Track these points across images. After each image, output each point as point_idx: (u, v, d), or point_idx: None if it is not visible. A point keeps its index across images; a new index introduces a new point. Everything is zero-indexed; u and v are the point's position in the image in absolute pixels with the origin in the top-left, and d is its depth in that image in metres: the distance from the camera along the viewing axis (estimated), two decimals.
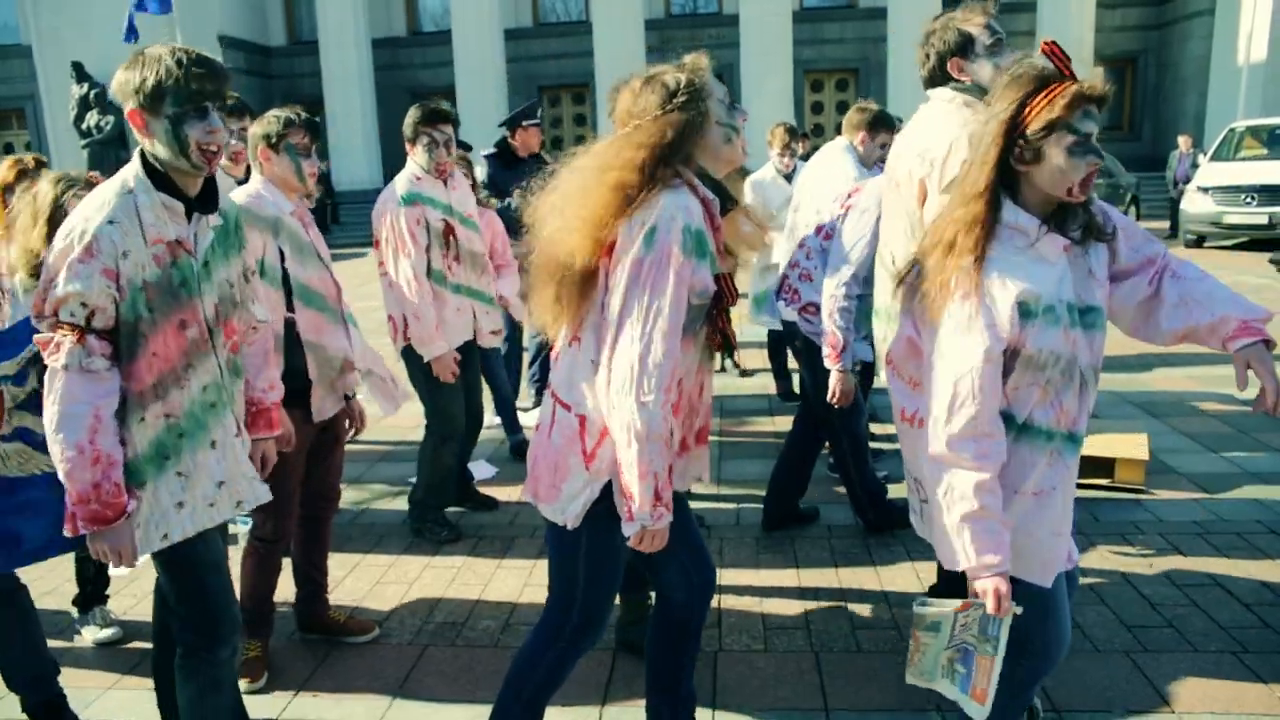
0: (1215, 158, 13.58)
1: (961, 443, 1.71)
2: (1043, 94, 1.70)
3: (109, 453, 1.86)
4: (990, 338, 1.68)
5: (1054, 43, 1.75)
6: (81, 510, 1.87)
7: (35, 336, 1.90)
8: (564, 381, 1.92)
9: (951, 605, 1.82)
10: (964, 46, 2.61)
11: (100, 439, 1.85)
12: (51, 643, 3.12)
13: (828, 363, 3.38)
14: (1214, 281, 1.96)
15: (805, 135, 8.64)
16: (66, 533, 1.92)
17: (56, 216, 2.80)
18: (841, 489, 4.24)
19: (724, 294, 1.90)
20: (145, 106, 1.86)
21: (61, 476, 1.86)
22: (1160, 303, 1.92)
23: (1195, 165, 14.26)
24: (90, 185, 2.86)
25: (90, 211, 1.87)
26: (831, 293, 3.34)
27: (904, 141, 2.78)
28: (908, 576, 3.37)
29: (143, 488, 1.95)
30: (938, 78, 2.68)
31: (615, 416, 1.78)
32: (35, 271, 2.83)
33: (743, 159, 1.98)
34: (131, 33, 11.72)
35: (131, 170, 1.93)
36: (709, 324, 1.92)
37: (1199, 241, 13.14)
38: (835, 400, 3.39)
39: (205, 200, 2.00)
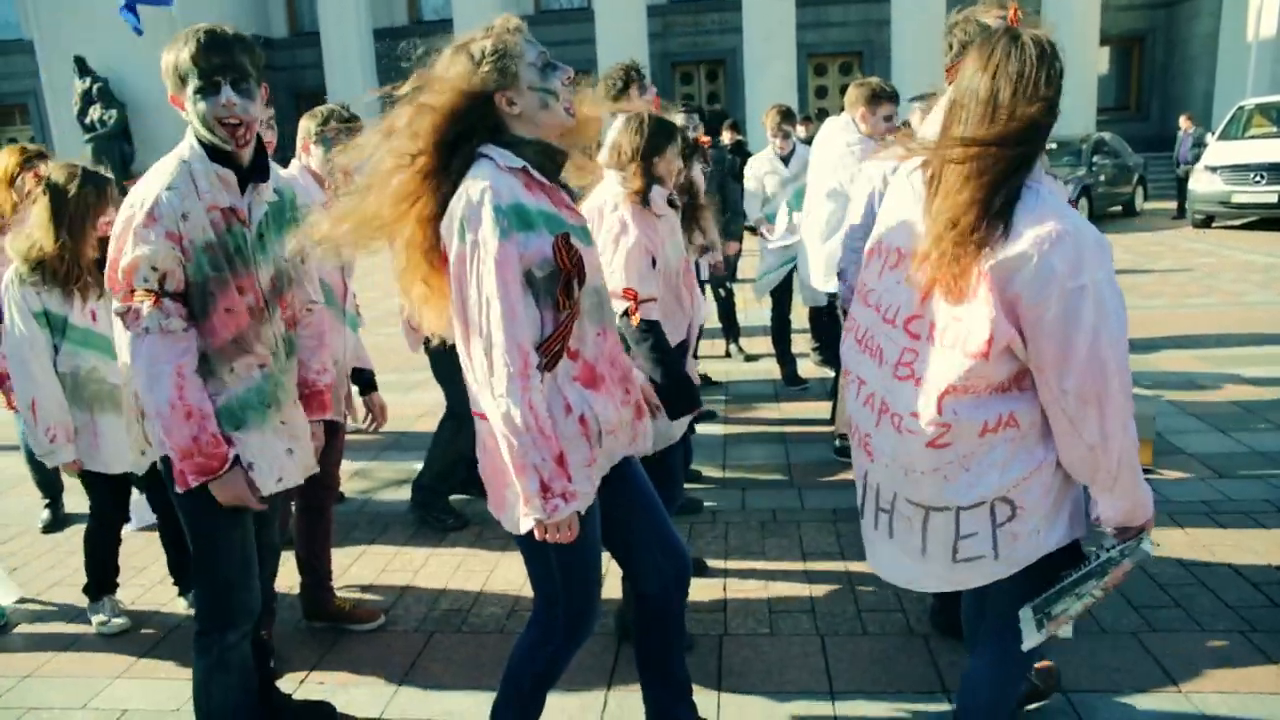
0: (1224, 136, 13.44)
1: (1130, 413, 1.66)
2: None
3: (200, 406, 1.96)
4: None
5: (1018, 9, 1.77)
6: (189, 465, 1.96)
7: (114, 308, 1.98)
8: (471, 393, 1.86)
9: (1143, 541, 1.76)
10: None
11: (189, 393, 1.94)
12: (61, 630, 3.16)
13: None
14: None
15: (809, 118, 8.60)
16: (178, 489, 2.00)
17: (57, 204, 2.81)
18: (849, 474, 4.23)
19: (559, 258, 1.77)
20: (176, 87, 1.96)
21: (162, 434, 1.96)
22: None
23: (1197, 145, 14.13)
24: (88, 173, 2.87)
25: (151, 180, 1.98)
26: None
27: (931, 126, 2.76)
28: None
29: (245, 430, 2.06)
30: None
31: (487, 413, 1.77)
32: (35, 264, 2.83)
33: (567, 122, 1.86)
34: (136, 24, 11.68)
35: (186, 143, 2.02)
36: (564, 290, 1.79)
37: (1207, 221, 13.03)
38: None
39: (256, 169, 2.08)
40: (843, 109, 4.59)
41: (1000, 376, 1.69)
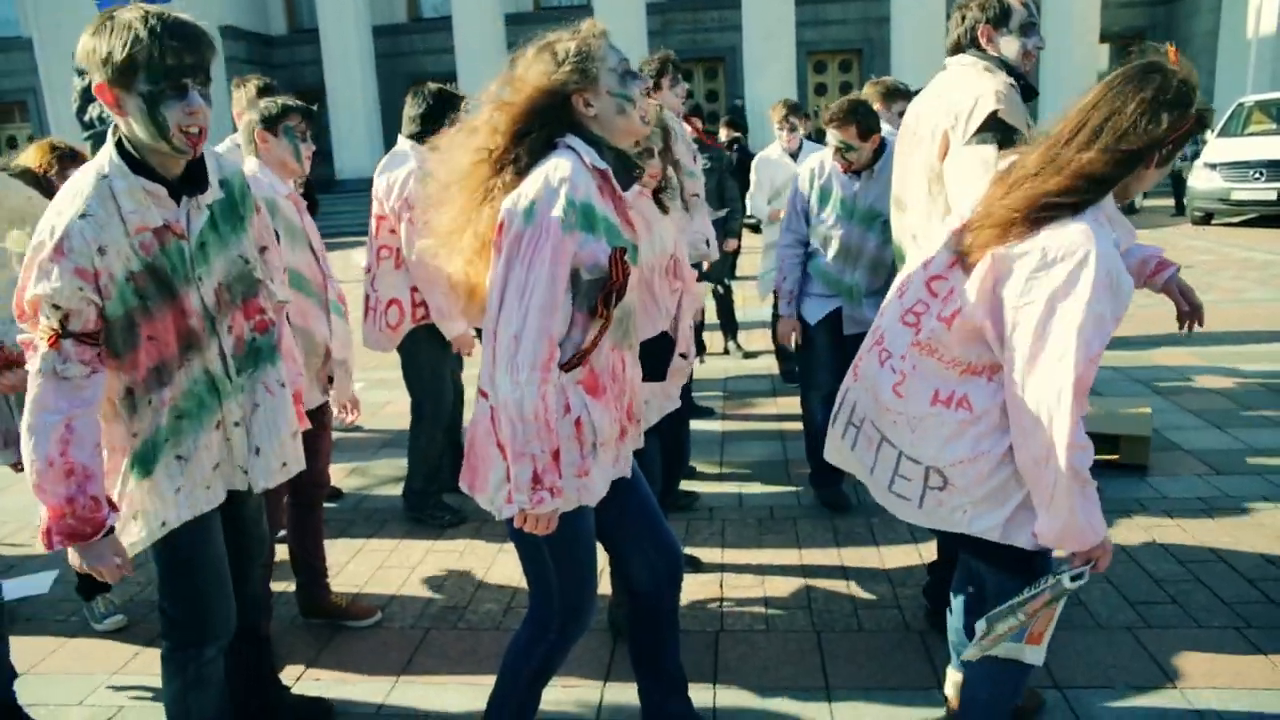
0: (1223, 133, 13.43)
1: (1080, 430, 1.66)
2: (1188, 108, 1.68)
3: (84, 465, 1.73)
4: (1110, 330, 1.66)
5: (1176, 47, 1.79)
6: (57, 525, 1.74)
7: (19, 338, 1.77)
8: (485, 371, 1.87)
9: (1080, 572, 1.77)
10: (1001, 18, 2.67)
11: (74, 451, 1.71)
12: (56, 628, 3.15)
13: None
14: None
15: (807, 115, 8.59)
16: (43, 547, 1.79)
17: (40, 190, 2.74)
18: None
19: (613, 270, 1.78)
20: (115, 81, 1.67)
21: (33, 489, 1.73)
22: None
23: (1194, 142, 14.11)
24: (77, 157, 2.79)
25: (63, 205, 1.72)
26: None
27: (927, 99, 2.80)
28: (910, 556, 3.37)
29: (149, 477, 1.87)
30: (964, 43, 2.73)
31: (497, 394, 1.76)
32: None
33: (641, 130, 1.90)
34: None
35: (106, 154, 1.76)
36: (604, 299, 1.80)
37: (1206, 218, 13.02)
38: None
39: (192, 181, 1.85)
40: None
41: (960, 354, 1.82)
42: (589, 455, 1.88)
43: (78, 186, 1.75)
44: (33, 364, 1.72)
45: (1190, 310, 2.29)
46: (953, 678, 2.37)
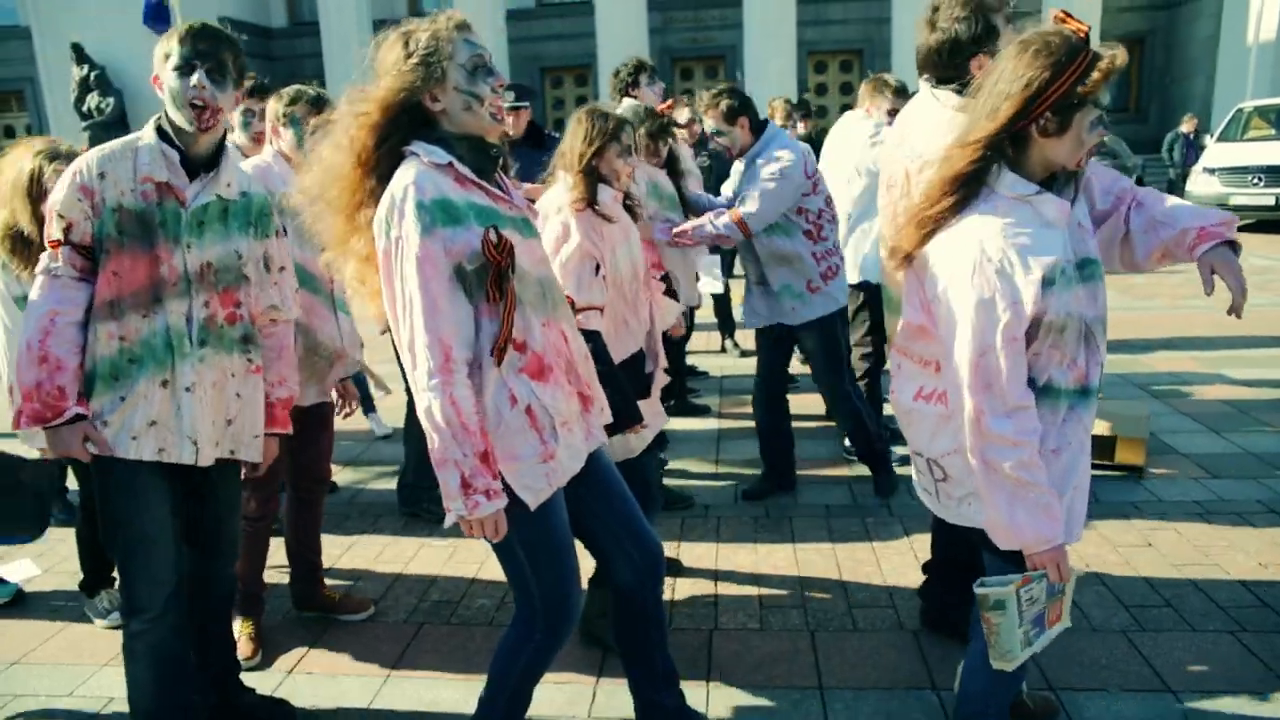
0: (1222, 138, 13.46)
1: (998, 421, 1.68)
2: (1075, 65, 1.64)
3: (59, 357, 1.99)
4: (1014, 314, 1.65)
5: (1067, 12, 1.75)
6: (26, 407, 1.99)
7: (44, 256, 2.05)
8: None
9: (1011, 582, 1.78)
10: (986, 36, 2.40)
11: (51, 341, 1.99)
12: (47, 618, 3.14)
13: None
14: (1175, 200, 2.00)
15: (807, 115, 8.58)
16: (10, 427, 2.06)
17: (33, 191, 2.78)
18: (843, 470, 4.24)
19: (487, 250, 1.77)
20: (160, 67, 2.07)
21: (11, 371, 2.04)
22: (1131, 234, 1.98)
23: (1189, 148, 14.22)
24: (72, 155, 2.82)
25: (94, 149, 2.08)
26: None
27: (895, 141, 2.67)
28: (905, 556, 3.36)
29: (93, 398, 2.05)
30: (939, 61, 2.47)
31: (417, 406, 1.79)
32: (14, 247, 2.80)
33: (491, 127, 1.88)
34: (159, 20, 10.74)
35: (149, 126, 2.11)
36: (493, 282, 1.78)
37: None
38: None
39: (208, 162, 2.14)
40: (844, 108, 4.73)
41: (924, 351, 1.90)
42: (550, 440, 1.87)
43: (115, 140, 2.10)
44: (39, 268, 2.03)
45: (1235, 294, 1.89)
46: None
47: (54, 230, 2.01)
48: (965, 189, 1.74)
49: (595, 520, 2.10)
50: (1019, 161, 1.75)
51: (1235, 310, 1.86)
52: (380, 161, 1.83)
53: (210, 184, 2.13)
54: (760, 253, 3.72)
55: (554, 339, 1.94)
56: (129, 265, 2.04)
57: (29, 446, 2.92)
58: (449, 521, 1.81)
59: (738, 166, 3.82)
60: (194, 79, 2.02)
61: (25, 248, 2.80)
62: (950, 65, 2.47)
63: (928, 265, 1.80)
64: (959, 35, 2.41)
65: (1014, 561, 1.83)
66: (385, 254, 1.76)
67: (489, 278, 1.78)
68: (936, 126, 2.38)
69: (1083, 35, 1.70)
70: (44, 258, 2.03)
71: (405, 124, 1.84)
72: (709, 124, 3.70)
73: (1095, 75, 1.65)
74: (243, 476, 2.37)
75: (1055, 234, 1.72)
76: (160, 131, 2.10)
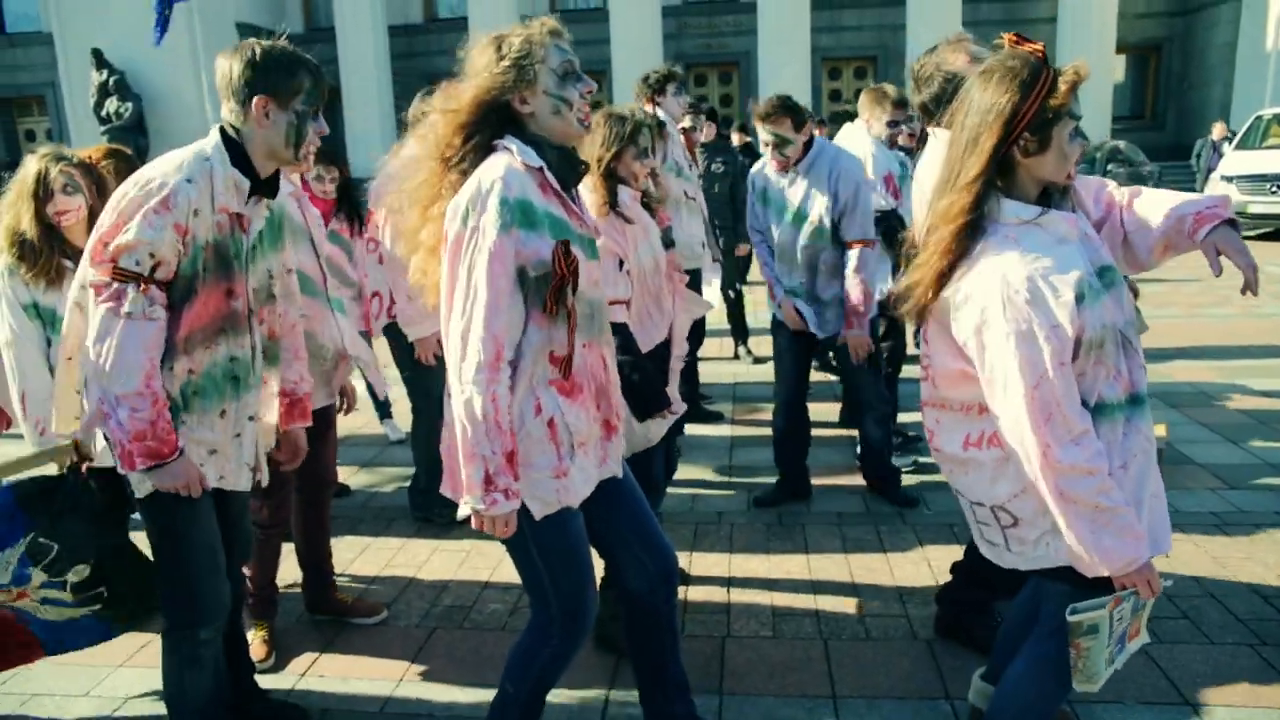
0: (1241, 146, 13.35)
1: (1066, 451, 1.63)
2: (1041, 83, 1.66)
3: (162, 394, 1.95)
4: (1057, 339, 1.62)
5: (1017, 34, 1.80)
6: (138, 447, 1.92)
7: (90, 280, 1.93)
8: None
9: (1104, 605, 1.74)
10: (955, 91, 2.51)
11: (155, 381, 1.93)
12: None
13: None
14: (1163, 192, 1.99)
15: (822, 122, 8.58)
16: (123, 469, 1.97)
17: (39, 193, 2.75)
18: (857, 478, 4.22)
19: (556, 264, 1.78)
20: (276, 97, 1.97)
21: (122, 416, 1.90)
22: (1129, 235, 1.96)
23: (1216, 155, 14.09)
24: (83, 164, 2.80)
25: (168, 168, 1.96)
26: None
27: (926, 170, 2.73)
28: (918, 565, 3.34)
29: (195, 421, 2.06)
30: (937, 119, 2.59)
31: (452, 395, 1.78)
32: (22, 252, 2.79)
33: (577, 132, 1.90)
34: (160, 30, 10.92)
35: (210, 142, 2.02)
36: (553, 295, 1.81)
37: None
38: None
39: (270, 185, 2.11)
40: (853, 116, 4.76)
41: (965, 397, 1.82)
42: (566, 457, 1.88)
43: (181, 159, 1.98)
44: (120, 307, 1.89)
45: (1245, 270, 1.83)
46: (978, 688, 2.34)
47: (133, 265, 1.89)
48: (972, 229, 1.72)
49: (606, 524, 2.10)
50: (1011, 187, 1.74)
51: (1250, 286, 1.82)
52: (464, 158, 1.84)
53: (259, 207, 2.13)
54: (825, 265, 3.72)
55: (592, 361, 1.95)
56: (207, 299, 2.02)
57: (36, 447, 2.94)
58: (462, 514, 1.83)
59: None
60: (321, 123, 2.05)
61: (33, 254, 2.74)
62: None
63: (952, 310, 1.75)
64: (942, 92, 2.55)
65: (1096, 586, 1.76)
66: (457, 239, 1.76)
67: (549, 289, 1.79)
68: (933, 162, 2.51)
69: (1040, 56, 1.72)
70: (130, 299, 1.89)
71: (494, 122, 1.85)
72: (766, 132, 3.65)
73: (1062, 88, 1.66)
74: (264, 483, 2.38)
75: (1071, 249, 1.70)
76: (231, 149, 2.02)
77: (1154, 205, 1.94)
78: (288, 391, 2.40)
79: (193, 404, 2.05)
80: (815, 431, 4.07)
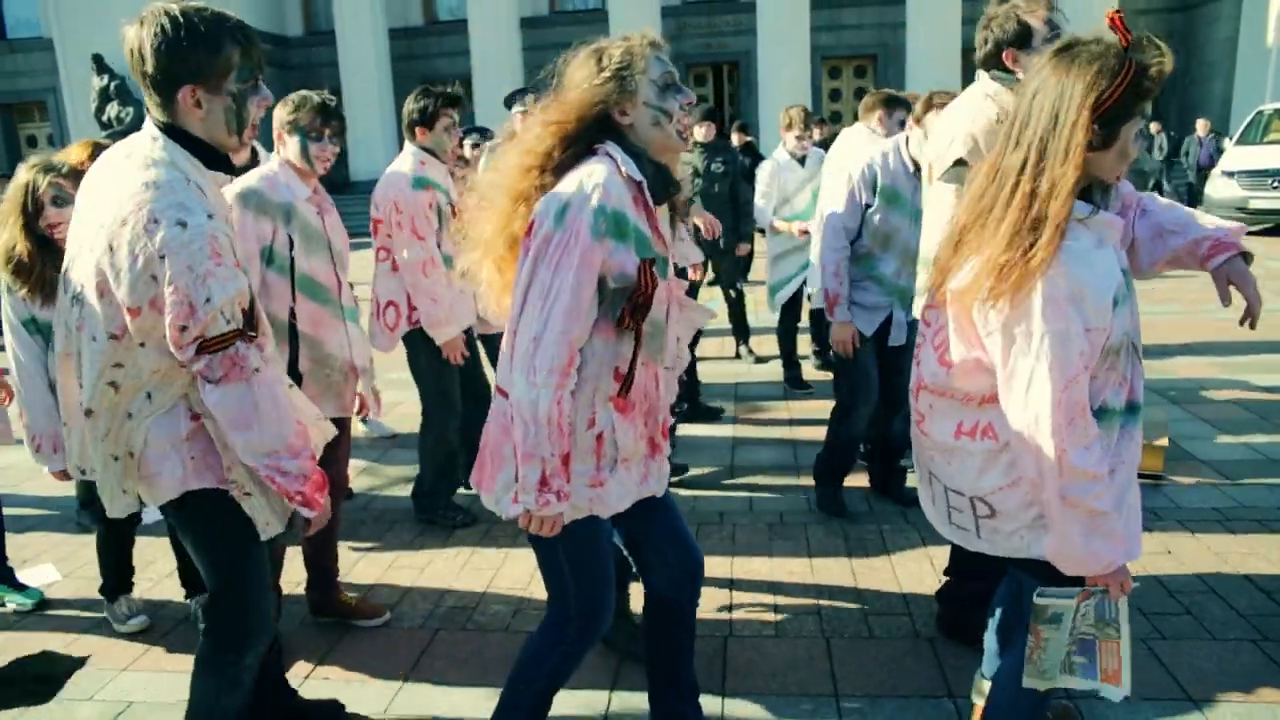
0: (1242, 141, 13.33)
1: (1080, 455, 1.60)
2: (1124, 73, 1.55)
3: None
4: (1091, 342, 1.59)
5: (1119, 13, 1.63)
6: (315, 482, 1.90)
7: (194, 367, 1.75)
8: (503, 369, 1.87)
9: (1072, 595, 1.74)
10: (1023, 38, 2.57)
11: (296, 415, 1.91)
12: (68, 623, 3.17)
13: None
14: (1182, 209, 1.99)
15: (822, 121, 8.59)
16: (310, 512, 1.92)
17: (28, 205, 2.72)
18: (860, 478, 4.21)
19: (641, 280, 1.79)
20: (204, 83, 1.77)
21: (289, 467, 1.84)
22: (1137, 241, 1.95)
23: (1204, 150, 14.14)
24: (74, 172, 2.77)
25: (167, 205, 1.68)
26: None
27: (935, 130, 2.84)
28: (921, 564, 3.35)
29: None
30: (990, 63, 2.65)
31: (512, 393, 1.77)
32: (17, 269, 2.74)
33: (676, 145, 1.90)
34: None
35: (159, 152, 1.76)
36: (630, 310, 1.81)
37: None
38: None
39: (226, 161, 1.95)
40: (856, 114, 4.78)
41: (971, 387, 1.77)
42: (605, 469, 1.89)
43: (166, 188, 1.70)
44: (244, 367, 1.75)
45: (1247, 305, 1.90)
46: (980, 686, 2.34)
47: (226, 325, 1.72)
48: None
49: (635, 522, 2.09)
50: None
51: (1252, 318, 1.87)
52: (563, 165, 1.83)
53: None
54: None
55: (647, 380, 1.95)
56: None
57: (48, 470, 2.94)
58: (512, 513, 1.83)
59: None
60: (264, 92, 1.93)
61: (25, 269, 2.72)
62: (998, 65, 2.66)
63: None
64: (1000, 39, 2.61)
65: (1063, 580, 1.77)
66: (546, 238, 1.73)
67: (626, 304, 1.79)
68: (963, 109, 2.63)
69: (1125, 38, 1.61)
70: (249, 358, 1.76)
71: (594, 131, 1.84)
72: (918, 133, 3.56)
73: (1147, 83, 1.55)
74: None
75: (1110, 254, 1.65)
76: (187, 145, 1.88)
77: (1170, 219, 1.92)
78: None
79: None
80: (816, 430, 4.08)
